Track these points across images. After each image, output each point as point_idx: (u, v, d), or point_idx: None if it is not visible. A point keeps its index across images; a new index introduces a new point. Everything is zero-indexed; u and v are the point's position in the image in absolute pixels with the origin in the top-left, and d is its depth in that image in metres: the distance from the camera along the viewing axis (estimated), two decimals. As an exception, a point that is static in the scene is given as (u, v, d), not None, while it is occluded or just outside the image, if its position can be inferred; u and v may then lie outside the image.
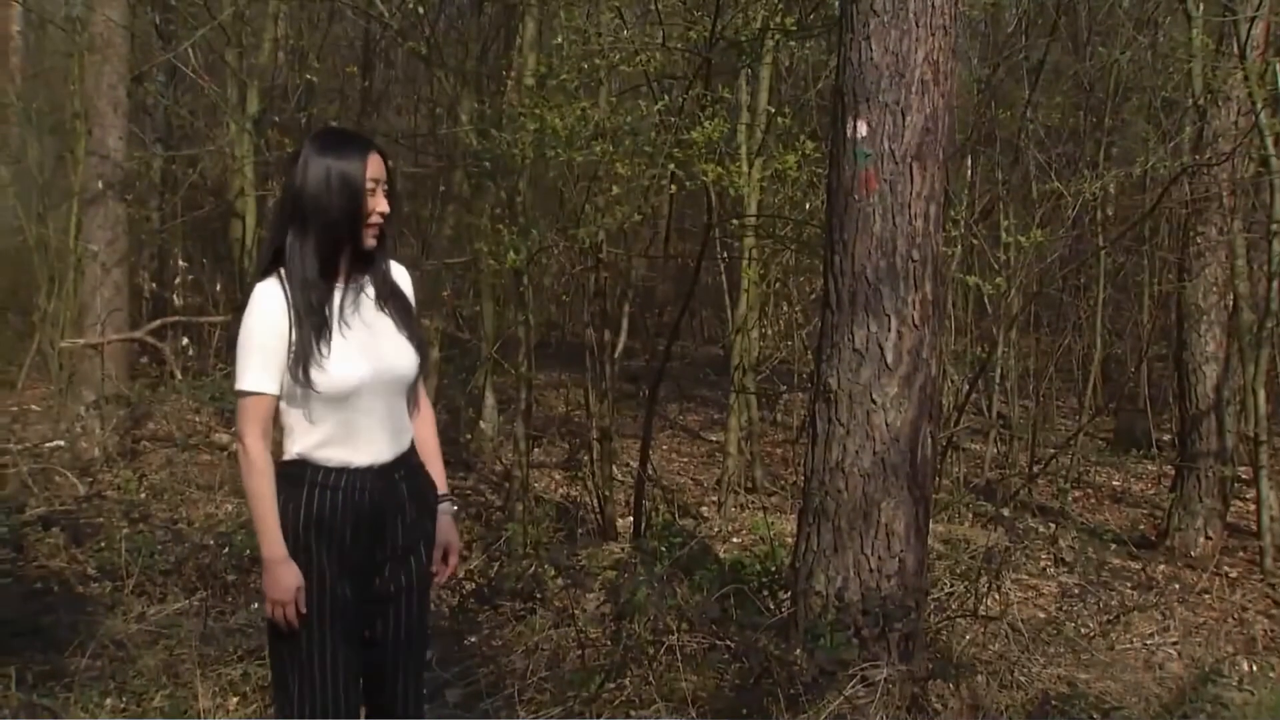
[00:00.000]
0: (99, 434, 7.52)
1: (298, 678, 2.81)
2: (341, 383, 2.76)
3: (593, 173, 6.69)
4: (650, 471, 7.40)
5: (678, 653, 4.43)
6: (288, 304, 2.77)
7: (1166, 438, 10.38)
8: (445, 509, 3.04)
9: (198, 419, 8.81)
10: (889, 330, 4.27)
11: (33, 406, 8.76)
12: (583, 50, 6.57)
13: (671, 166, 6.20)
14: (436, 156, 10.18)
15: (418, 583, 2.94)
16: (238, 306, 10.10)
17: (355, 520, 2.79)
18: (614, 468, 7.55)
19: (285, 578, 2.76)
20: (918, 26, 4.20)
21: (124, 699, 4.47)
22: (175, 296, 9.89)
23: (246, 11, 9.22)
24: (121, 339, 8.36)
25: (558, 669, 4.63)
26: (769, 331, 9.89)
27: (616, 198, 6.69)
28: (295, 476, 2.81)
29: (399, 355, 2.89)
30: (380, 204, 2.86)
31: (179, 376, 8.42)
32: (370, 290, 2.93)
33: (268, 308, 2.76)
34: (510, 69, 8.50)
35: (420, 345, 2.96)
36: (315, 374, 2.75)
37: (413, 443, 2.96)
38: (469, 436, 9.06)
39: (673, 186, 6.55)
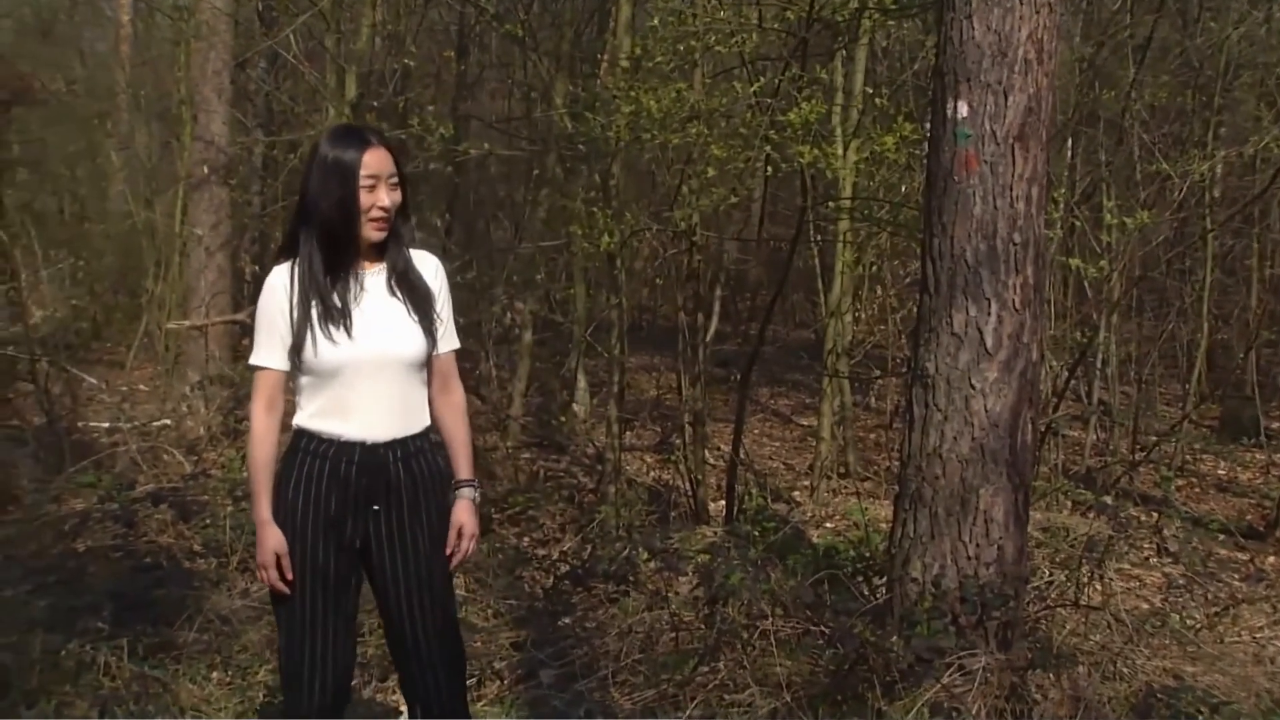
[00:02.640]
0: (204, 413, 7.72)
1: (285, 634, 3.07)
2: (326, 362, 2.95)
3: (687, 155, 6.68)
4: (742, 455, 7.37)
5: (771, 637, 4.41)
6: (292, 287, 2.98)
7: (1276, 426, 10.05)
8: (465, 494, 3.16)
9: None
10: (989, 314, 4.18)
11: (140, 386, 9.02)
12: (678, 32, 6.55)
13: (767, 149, 6.16)
14: (529, 140, 10.24)
15: (419, 567, 3.05)
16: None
17: (340, 489, 2.97)
18: (706, 452, 7.55)
19: (266, 539, 2.99)
20: (1021, 4, 4.10)
21: (229, 672, 4.60)
22: (277, 279, 10.08)
23: (345, -2, 9.37)
24: (225, 321, 8.59)
25: (651, 652, 4.64)
26: (862, 316, 9.77)
27: (711, 181, 6.67)
28: (294, 444, 3.04)
29: (400, 340, 3.03)
30: (380, 198, 2.98)
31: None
32: (382, 279, 3.08)
33: (274, 290, 3.00)
34: (604, 52, 8.50)
35: (430, 332, 3.09)
36: (305, 353, 2.95)
37: (428, 428, 3.10)
38: (562, 419, 9.12)
39: (769, 169, 6.50)
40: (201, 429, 7.67)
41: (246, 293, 10.69)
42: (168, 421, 7.75)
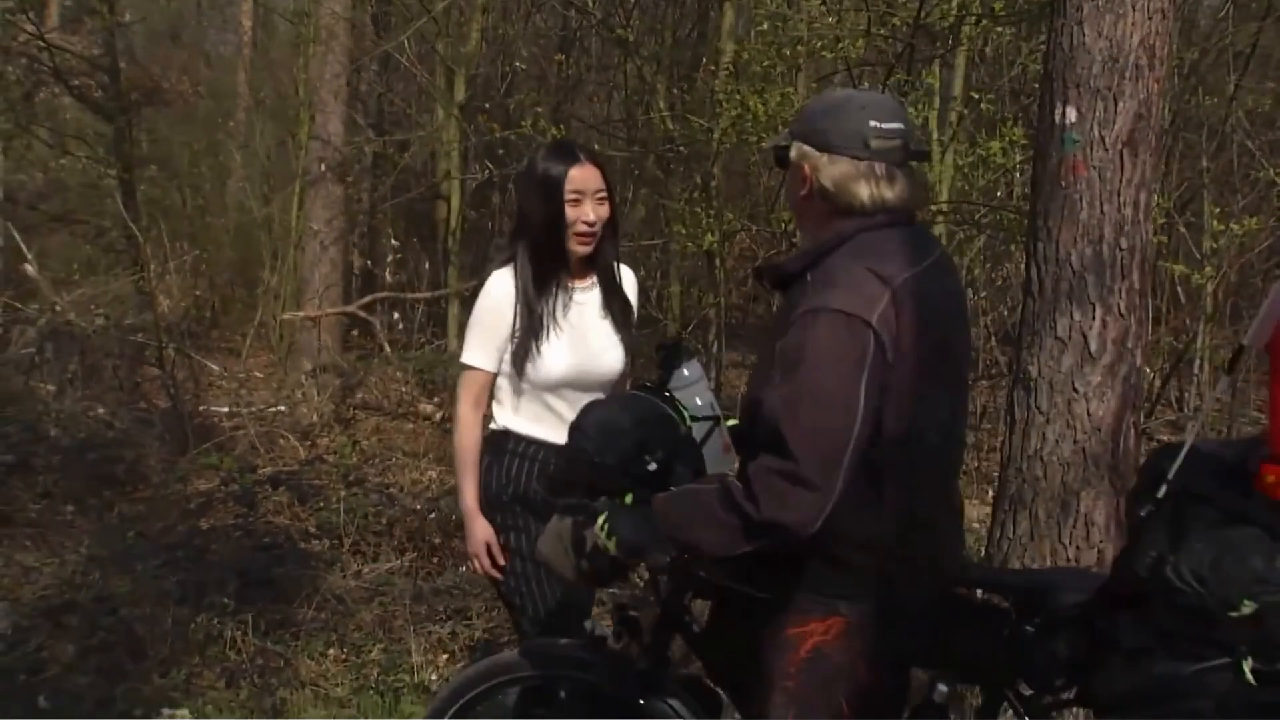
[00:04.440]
0: (316, 401, 8.00)
1: (529, 623, 3.14)
2: (546, 376, 3.06)
3: (790, 158, 6.72)
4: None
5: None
6: (516, 295, 3.07)
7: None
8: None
9: (404, 389, 9.27)
10: (1093, 319, 4.20)
11: (256, 374, 9.35)
12: (784, 37, 6.63)
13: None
14: (628, 142, 10.38)
15: None
16: (440, 284, 10.56)
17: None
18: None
19: (475, 530, 3.11)
20: (1134, 10, 4.11)
21: (344, 650, 4.81)
22: (385, 274, 10.41)
23: (458, 3, 9.60)
24: (337, 312, 8.87)
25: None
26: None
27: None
28: (499, 444, 3.15)
29: (607, 357, 3.14)
30: (586, 213, 3.05)
31: (387, 349, 8.87)
32: (595, 293, 3.17)
33: (497, 295, 3.10)
34: (706, 57, 8.61)
35: (629, 348, 3.19)
36: (527, 366, 3.06)
37: None
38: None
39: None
40: (314, 415, 7.93)
41: (356, 286, 11.04)
42: (282, 408, 8.04)
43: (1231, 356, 2.48)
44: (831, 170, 2.28)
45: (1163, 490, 2.20)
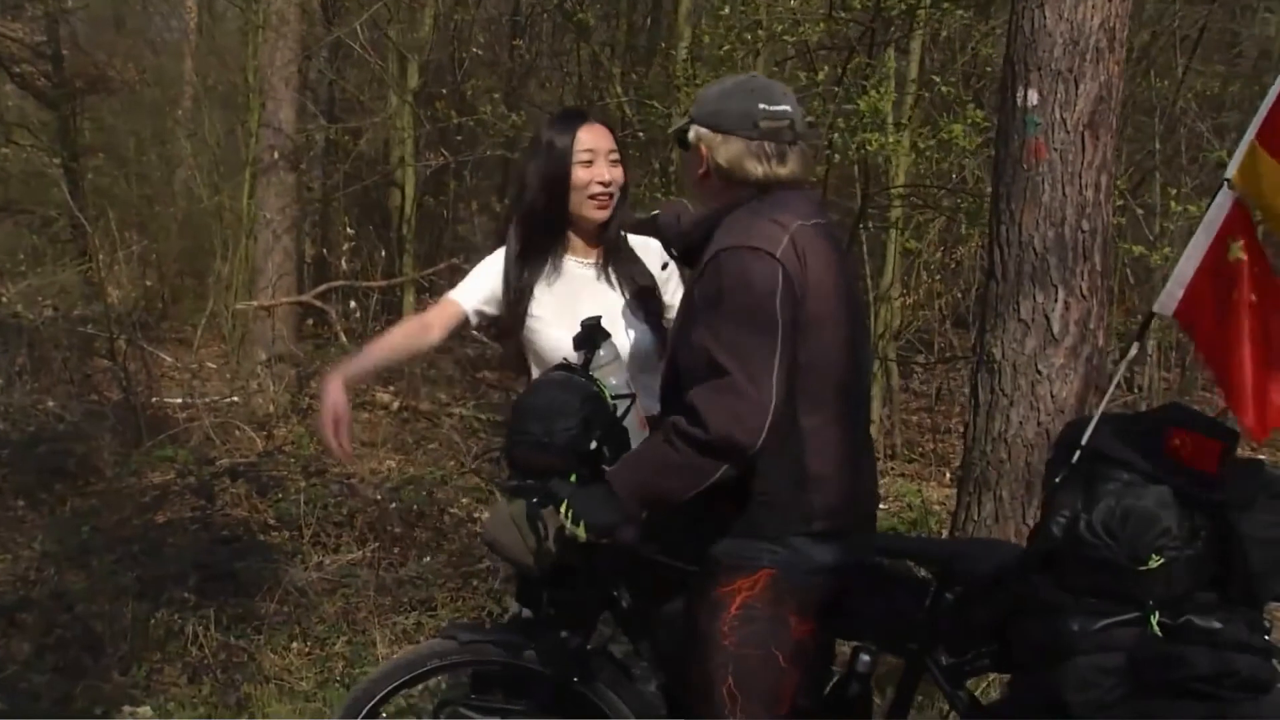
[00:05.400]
0: (272, 391, 7.90)
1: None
2: (541, 352, 2.98)
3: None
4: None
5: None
6: (503, 270, 3.01)
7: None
8: None
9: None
10: (1056, 301, 4.25)
11: (209, 364, 9.22)
12: (744, 21, 6.61)
13: (835, 135, 6.23)
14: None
15: None
16: (395, 273, 10.47)
17: None
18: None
19: (328, 394, 2.91)
20: (1093, -7, 4.15)
21: (308, 643, 4.75)
22: (340, 262, 10.30)
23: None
24: (291, 302, 8.76)
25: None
26: (909, 300, 9.81)
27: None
28: None
29: (618, 331, 2.91)
30: (600, 173, 2.92)
31: (343, 338, 8.79)
32: (594, 268, 3.03)
33: (496, 255, 3.04)
34: (665, 41, 8.59)
35: (656, 327, 3.00)
36: (525, 341, 3.02)
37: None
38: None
39: (835, 156, 6.57)
40: (270, 406, 7.84)
41: (309, 275, 10.91)
42: (237, 399, 7.94)
43: (1141, 323, 2.61)
44: (725, 150, 2.47)
45: (1076, 456, 2.32)
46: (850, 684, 2.56)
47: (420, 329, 3.06)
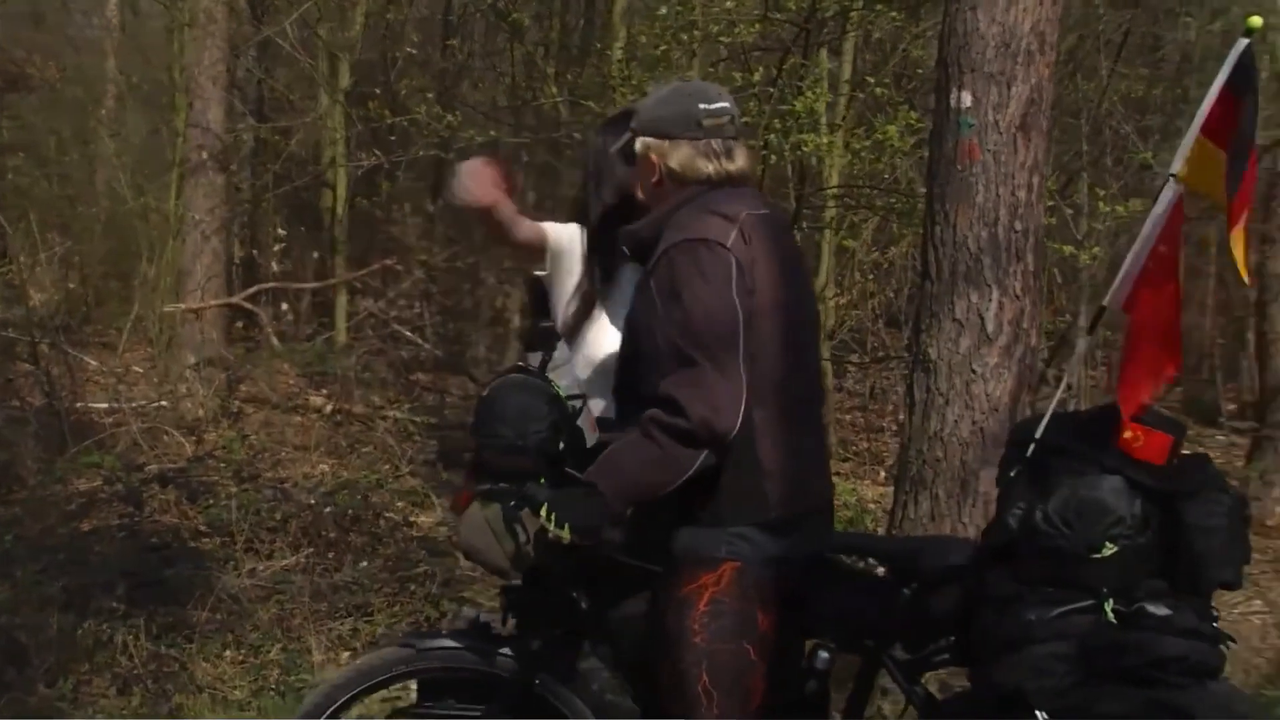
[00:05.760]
0: (201, 395, 7.77)
1: None
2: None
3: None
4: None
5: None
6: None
7: (1232, 408, 10.25)
8: None
9: (292, 382, 9.05)
10: (990, 300, 4.30)
11: (135, 368, 9.03)
12: (680, 21, 6.61)
13: (771, 136, 6.25)
14: (514, 127, 10.29)
15: None
16: (327, 274, 10.34)
17: None
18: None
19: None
20: (1024, -4, 4.21)
21: (241, 651, 4.69)
22: (271, 264, 10.15)
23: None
24: (221, 304, 8.63)
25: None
26: (843, 300, 9.90)
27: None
28: None
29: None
30: None
31: (274, 341, 8.66)
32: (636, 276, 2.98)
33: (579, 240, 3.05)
34: (599, 42, 8.57)
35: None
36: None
37: None
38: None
39: (772, 157, 6.60)
40: (200, 410, 7.70)
41: (239, 277, 10.74)
42: (165, 403, 7.79)
43: (1092, 317, 2.66)
44: (676, 154, 2.52)
45: (1031, 450, 2.38)
46: (808, 681, 2.57)
47: (527, 223, 3.07)
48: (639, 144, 2.57)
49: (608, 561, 2.60)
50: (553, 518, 2.38)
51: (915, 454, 4.48)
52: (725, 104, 2.55)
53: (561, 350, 2.72)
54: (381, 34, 11.01)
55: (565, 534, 2.37)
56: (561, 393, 2.62)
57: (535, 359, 2.69)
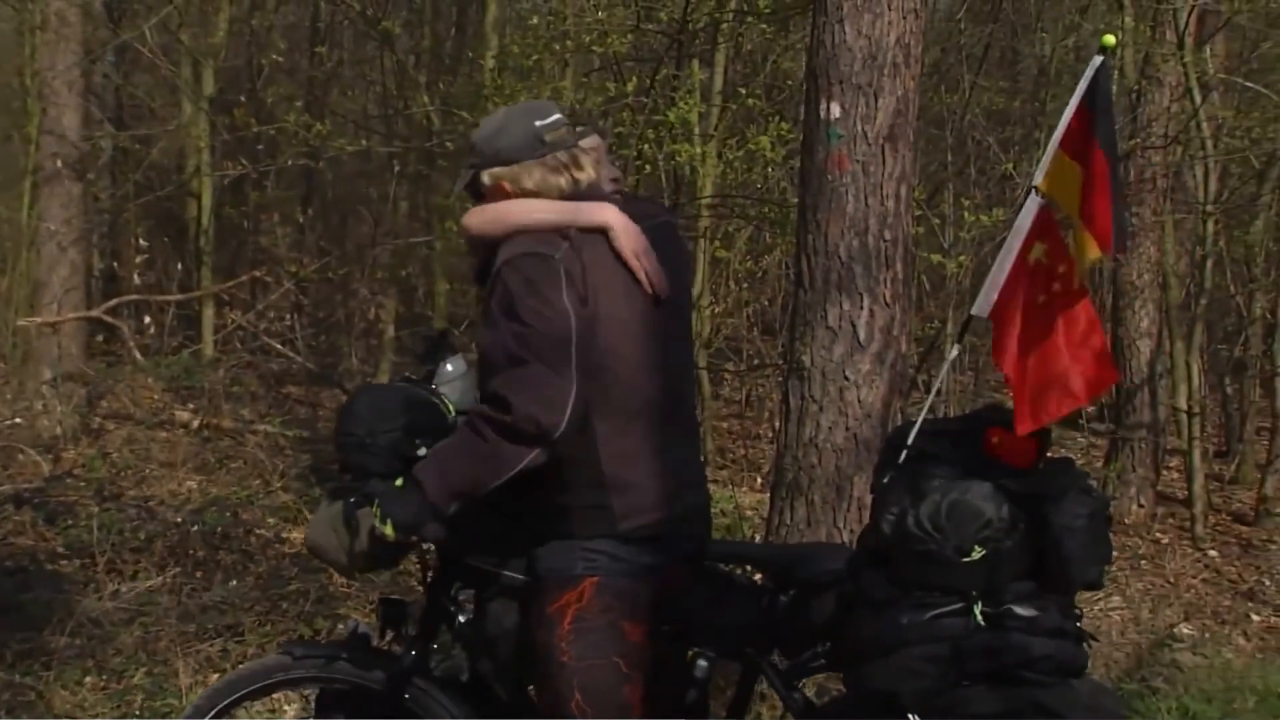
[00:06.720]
0: (59, 412, 7.48)
1: None
2: None
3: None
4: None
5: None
6: None
7: (1091, 410, 10.67)
8: None
9: (156, 397, 8.77)
10: (862, 308, 4.37)
11: (-14, 385, 8.65)
12: (552, 31, 6.62)
13: (645, 146, 6.29)
14: (386, 136, 10.16)
15: None
16: (192, 286, 10.06)
17: None
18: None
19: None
20: (890, 10, 4.29)
21: (104, 677, 4.51)
22: (133, 275, 9.82)
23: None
24: (79, 317, 8.33)
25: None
26: (718, 309, 10.00)
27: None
28: None
29: None
30: None
31: (137, 355, 8.39)
32: None
33: None
34: (471, 51, 8.52)
35: None
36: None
37: None
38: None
39: (646, 167, 6.63)
40: (57, 428, 7.42)
41: (99, 289, 10.37)
42: (19, 420, 7.49)
43: (961, 325, 2.75)
44: (528, 176, 2.51)
45: (903, 456, 2.43)
46: (688, 690, 2.58)
47: None
48: (486, 177, 2.54)
49: (485, 573, 2.59)
50: (379, 512, 2.39)
51: (791, 460, 4.53)
52: (558, 115, 2.57)
53: (456, 363, 2.73)
54: (247, 40, 10.78)
55: (388, 530, 2.38)
56: (452, 406, 2.62)
57: (424, 369, 2.71)
